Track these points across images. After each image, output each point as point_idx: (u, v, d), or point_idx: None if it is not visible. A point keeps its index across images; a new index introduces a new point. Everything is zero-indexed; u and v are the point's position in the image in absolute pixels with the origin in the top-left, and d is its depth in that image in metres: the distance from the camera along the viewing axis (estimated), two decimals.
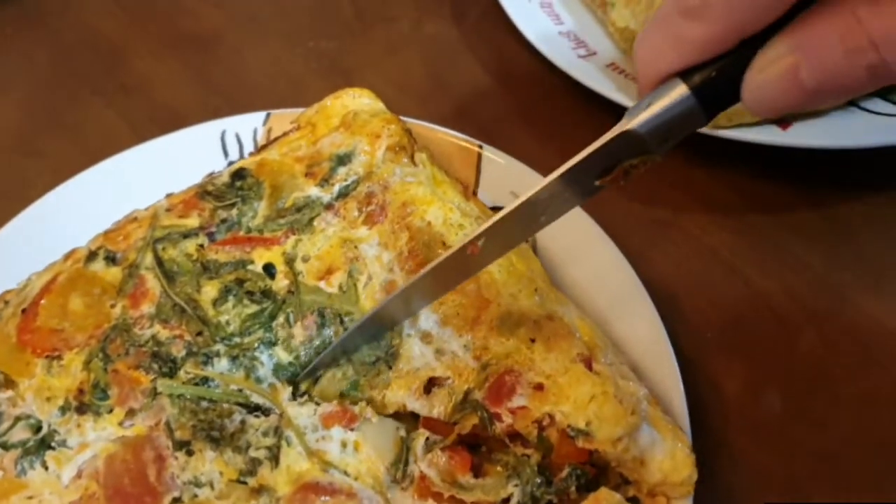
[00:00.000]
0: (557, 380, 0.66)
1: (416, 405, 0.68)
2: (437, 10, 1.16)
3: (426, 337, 0.72)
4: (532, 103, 1.02)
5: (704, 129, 0.85)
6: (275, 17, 1.18)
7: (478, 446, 0.69)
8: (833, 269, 0.85)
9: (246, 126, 0.91)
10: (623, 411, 0.65)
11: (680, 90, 0.48)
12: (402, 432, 0.69)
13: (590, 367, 0.67)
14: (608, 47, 1.01)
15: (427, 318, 0.72)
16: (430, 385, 0.69)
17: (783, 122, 0.88)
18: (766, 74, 0.45)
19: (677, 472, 0.65)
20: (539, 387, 0.66)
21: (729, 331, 0.81)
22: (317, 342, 0.73)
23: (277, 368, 0.72)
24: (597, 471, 0.67)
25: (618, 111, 0.89)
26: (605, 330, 0.75)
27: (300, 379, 0.71)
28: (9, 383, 0.71)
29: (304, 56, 1.12)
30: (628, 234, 0.79)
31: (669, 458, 0.65)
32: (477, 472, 0.68)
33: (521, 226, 0.61)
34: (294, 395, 0.71)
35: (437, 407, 0.68)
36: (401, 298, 0.68)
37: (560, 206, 0.59)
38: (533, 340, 0.69)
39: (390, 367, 0.71)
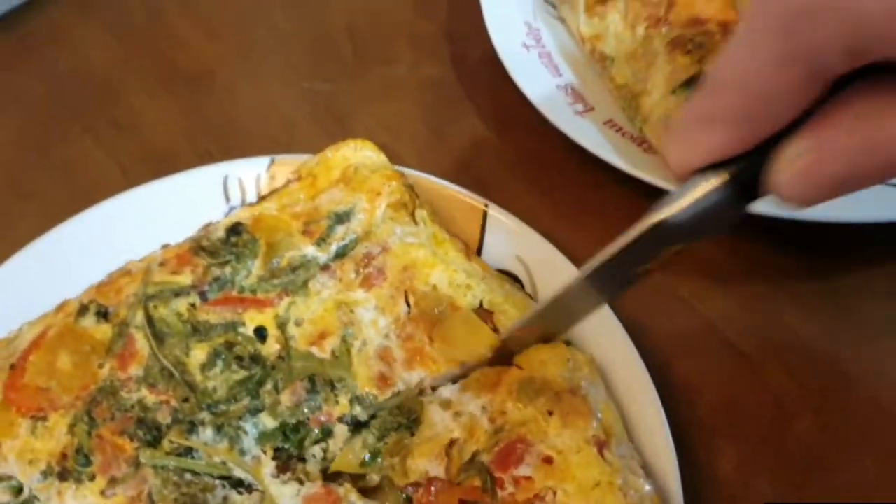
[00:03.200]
0: (568, 457, 0.64)
1: (439, 470, 0.66)
2: (436, 53, 1.11)
3: (445, 404, 0.70)
4: (528, 154, 0.98)
5: None
6: (271, 55, 1.15)
7: None
8: (833, 346, 0.81)
9: (249, 171, 0.88)
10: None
11: (712, 181, 0.48)
12: None
13: (601, 453, 0.65)
14: (607, 103, 0.95)
15: (447, 388, 0.71)
16: (450, 447, 0.67)
17: None
18: (786, 175, 0.45)
19: None
20: (548, 460, 0.64)
21: (722, 409, 0.78)
22: (304, 408, 0.70)
23: (262, 436, 0.69)
24: None
25: (613, 171, 0.87)
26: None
27: None
28: None
29: (299, 97, 1.08)
30: (622, 300, 0.75)
31: None
32: None
33: (553, 321, 0.65)
34: (278, 471, 0.69)
35: (448, 467, 0.66)
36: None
37: (596, 299, 0.62)
38: (550, 413, 0.67)
39: (412, 434, 0.69)
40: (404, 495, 0.67)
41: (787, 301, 0.84)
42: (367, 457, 0.69)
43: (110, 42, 1.19)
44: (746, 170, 0.48)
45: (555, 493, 0.63)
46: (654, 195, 0.85)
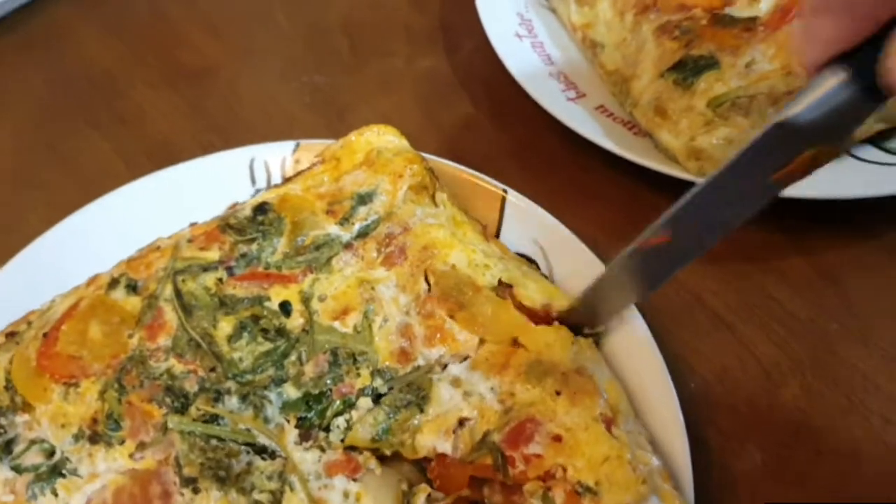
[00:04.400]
0: (576, 434, 0.66)
1: (447, 446, 0.68)
2: (430, 44, 1.15)
3: (455, 381, 0.71)
4: (522, 141, 1.01)
5: (692, 177, 0.85)
6: (271, 51, 1.18)
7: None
8: (819, 319, 0.83)
9: (275, 155, 0.90)
10: (635, 479, 0.63)
11: (834, 78, 0.48)
12: (405, 486, 0.68)
13: (609, 429, 0.66)
14: (598, 89, 0.98)
15: (456, 365, 0.72)
16: (459, 426, 0.69)
17: None
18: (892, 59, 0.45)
19: None
20: (557, 438, 0.66)
21: (712, 379, 0.80)
22: (327, 380, 0.72)
23: (286, 405, 0.71)
24: None
25: (604, 154, 0.89)
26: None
27: None
28: (26, 407, 0.72)
29: (299, 90, 1.11)
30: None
31: None
32: None
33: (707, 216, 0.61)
34: (301, 439, 0.70)
35: (459, 446, 0.68)
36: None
37: (744, 203, 0.60)
38: (558, 393, 0.68)
39: (422, 411, 0.70)
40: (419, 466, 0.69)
41: (774, 277, 0.87)
42: (379, 432, 0.70)
43: (113, 40, 1.21)
44: (867, 66, 0.46)
45: (565, 470, 0.64)
46: (645, 177, 0.90)
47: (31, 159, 1.06)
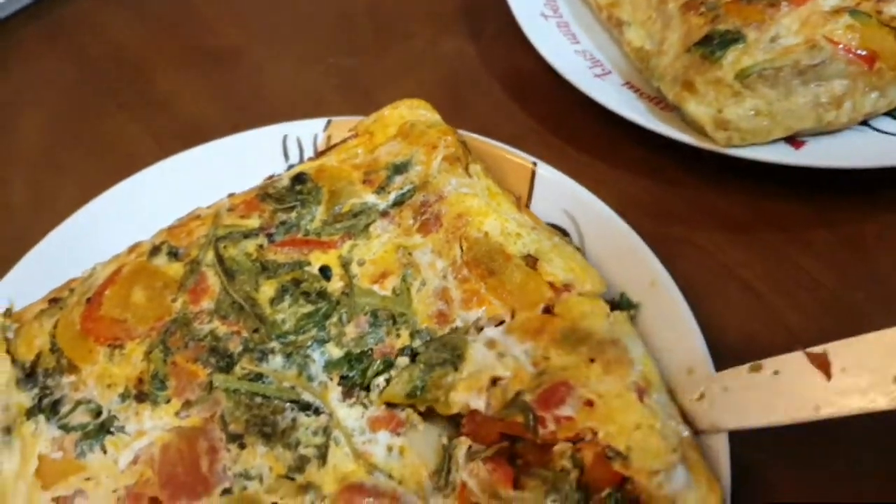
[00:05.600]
0: (608, 401, 0.66)
1: (480, 403, 0.68)
2: (454, 27, 1.16)
3: (490, 343, 0.71)
4: (548, 119, 1.03)
5: (719, 149, 0.87)
6: (294, 34, 1.19)
7: (517, 458, 0.69)
8: (846, 288, 0.84)
9: (307, 131, 0.92)
10: (665, 447, 0.64)
11: None
12: (445, 440, 0.69)
13: (641, 399, 0.67)
14: (624, 67, 1.01)
15: (492, 329, 0.73)
16: (492, 385, 0.69)
17: (796, 141, 0.88)
18: None
19: None
20: (589, 403, 0.66)
21: (741, 343, 0.81)
22: (368, 340, 0.73)
23: (329, 365, 0.72)
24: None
25: (632, 130, 0.91)
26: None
27: None
28: (72, 368, 0.72)
29: (324, 72, 1.12)
30: (646, 242, 0.79)
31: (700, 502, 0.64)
32: (516, 484, 0.67)
33: None
34: (344, 396, 0.71)
35: (492, 402, 0.68)
36: None
37: None
38: (592, 360, 0.68)
39: (456, 369, 0.70)
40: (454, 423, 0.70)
41: (802, 248, 0.88)
42: (414, 388, 0.70)
43: (137, 26, 1.23)
44: None
45: (595, 433, 0.65)
46: (671, 152, 0.92)
47: (63, 142, 1.07)
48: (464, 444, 0.68)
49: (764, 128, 0.85)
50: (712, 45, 0.87)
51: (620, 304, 0.78)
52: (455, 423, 0.70)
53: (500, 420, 0.68)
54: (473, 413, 0.69)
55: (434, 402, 0.70)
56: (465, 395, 0.69)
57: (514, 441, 0.68)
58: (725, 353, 0.78)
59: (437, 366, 0.71)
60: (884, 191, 0.91)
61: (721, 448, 0.67)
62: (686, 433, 0.66)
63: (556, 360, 0.69)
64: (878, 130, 0.89)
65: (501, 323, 0.74)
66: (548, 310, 0.74)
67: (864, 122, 0.90)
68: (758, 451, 0.71)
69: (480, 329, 0.74)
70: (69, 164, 1.04)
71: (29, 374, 0.72)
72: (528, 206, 0.87)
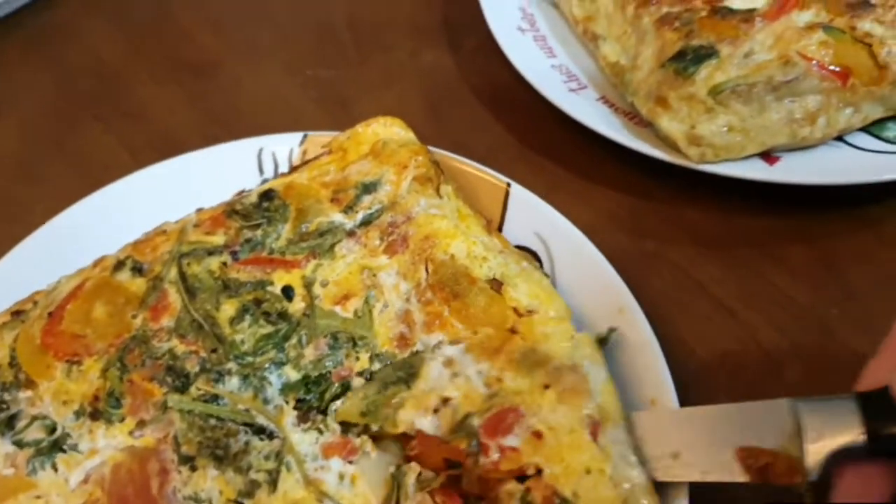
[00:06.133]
0: (558, 435, 0.63)
1: (425, 423, 0.66)
2: (434, 40, 1.15)
3: (448, 362, 0.70)
4: (524, 133, 1.01)
5: (692, 165, 0.85)
6: (273, 46, 1.19)
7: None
8: (820, 305, 0.82)
9: (283, 145, 0.91)
10: (614, 497, 0.60)
11: None
12: (393, 468, 0.67)
13: (595, 437, 0.63)
14: (599, 81, 0.99)
15: (452, 347, 0.71)
16: (443, 404, 0.67)
17: (770, 157, 0.87)
18: None
19: None
20: (538, 434, 0.63)
21: (714, 362, 0.79)
22: (327, 362, 0.71)
23: (285, 387, 0.71)
24: None
25: (607, 144, 0.90)
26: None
27: None
28: (29, 383, 0.71)
29: (303, 85, 1.11)
30: (616, 264, 0.77)
31: None
32: None
33: None
34: (299, 420, 0.70)
35: (441, 424, 0.66)
36: None
37: None
38: (547, 387, 0.65)
39: (408, 387, 0.69)
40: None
41: (775, 264, 0.86)
42: (368, 406, 0.69)
43: (117, 36, 1.23)
44: None
45: (540, 471, 0.61)
46: (646, 167, 0.90)
47: (37, 153, 1.07)
48: (413, 471, 0.66)
49: (737, 143, 0.84)
50: (685, 60, 0.85)
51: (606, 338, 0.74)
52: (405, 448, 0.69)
53: (445, 443, 0.65)
54: (421, 435, 0.66)
55: (384, 420, 0.68)
56: (413, 413, 0.67)
57: (459, 470, 0.65)
58: (698, 371, 0.78)
59: (390, 384, 0.69)
60: (858, 207, 0.89)
61: (681, 496, 0.63)
62: (640, 478, 0.62)
63: (509, 382, 0.67)
64: (852, 146, 0.87)
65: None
66: (513, 331, 0.71)
67: (839, 138, 0.88)
68: None
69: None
70: (43, 175, 1.04)
71: None
72: (500, 227, 0.85)
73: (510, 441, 0.63)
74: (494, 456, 0.63)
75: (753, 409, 0.60)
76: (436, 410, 0.67)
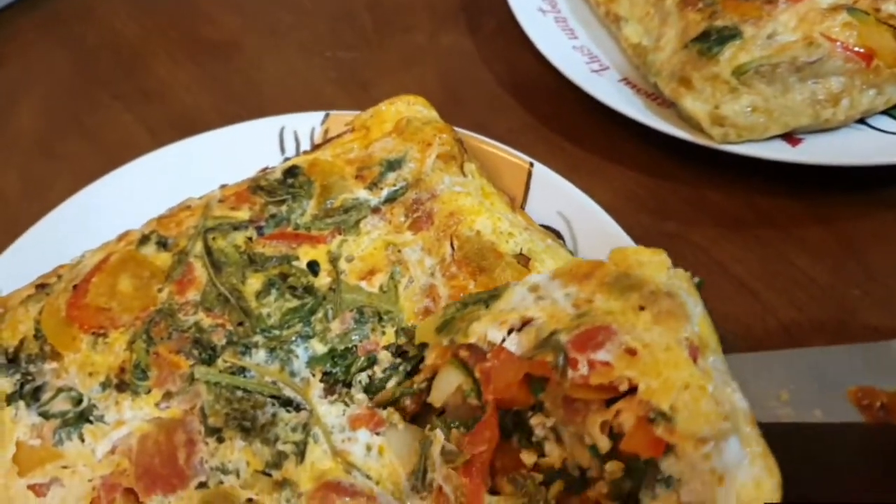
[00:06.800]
0: (654, 352, 0.56)
1: (497, 335, 0.62)
2: (453, 22, 1.16)
3: (533, 287, 0.65)
4: (545, 114, 1.01)
5: (715, 145, 0.85)
6: (293, 27, 1.18)
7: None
8: (840, 285, 0.83)
9: (304, 124, 0.90)
10: (717, 412, 0.54)
11: None
12: (422, 439, 0.67)
13: (694, 359, 0.57)
14: (621, 63, 0.99)
15: (537, 275, 0.67)
16: (524, 325, 0.62)
17: (793, 138, 0.87)
18: None
19: (758, 500, 0.54)
20: (631, 351, 0.56)
21: (736, 341, 0.79)
22: (353, 336, 0.71)
23: (312, 360, 0.70)
24: None
25: (629, 125, 0.90)
26: None
27: None
28: (54, 355, 0.71)
29: (322, 66, 1.11)
30: (638, 244, 0.76)
31: (753, 486, 0.54)
32: (493, 489, 0.64)
33: None
34: (325, 393, 0.69)
35: (523, 343, 0.61)
36: None
37: None
38: (642, 308, 0.59)
39: (487, 307, 0.66)
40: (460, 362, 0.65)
41: (796, 244, 0.86)
42: (445, 322, 0.67)
43: (135, 16, 1.22)
44: None
45: (634, 386, 0.55)
46: (667, 147, 0.90)
47: (57, 131, 1.07)
48: (437, 441, 0.65)
49: (760, 124, 0.84)
50: (709, 41, 0.86)
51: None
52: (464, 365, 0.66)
53: (528, 360, 0.60)
54: (499, 351, 0.61)
55: (456, 332, 0.65)
56: (486, 325, 0.62)
57: (538, 388, 0.61)
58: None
59: (470, 304, 0.67)
60: (879, 188, 0.89)
61: None
62: (743, 404, 0.56)
63: (600, 303, 0.60)
64: (875, 128, 0.88)
65: None
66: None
67: (862, 120, 0.88)
68: None
69: None
70: (63, 153, 1.04)
71: (11, 360, 0.71)
72: (523, 206, 0.85)
73: (601, 356, 0.56)
74: (583, 370, 0.56)
75: (865, 350, 0.58)
76: (517, 329, 0.61)
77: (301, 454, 0.66)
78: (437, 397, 0.66)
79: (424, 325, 0.68)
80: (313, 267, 0.75)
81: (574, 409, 0.58)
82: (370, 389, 0.70)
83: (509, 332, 0.62)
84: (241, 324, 0.72)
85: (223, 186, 0.83)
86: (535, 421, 0.62)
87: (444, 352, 0.67)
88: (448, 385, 0.66)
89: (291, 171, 0.81)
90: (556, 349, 0.58)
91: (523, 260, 0.75)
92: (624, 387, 0.55)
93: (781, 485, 0.54)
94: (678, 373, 0.55)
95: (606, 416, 0.56)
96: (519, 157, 0.85)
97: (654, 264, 0.64)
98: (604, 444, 0.56)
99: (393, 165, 0.81)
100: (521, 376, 0.60)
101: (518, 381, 0.60)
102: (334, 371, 0.70)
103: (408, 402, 0.69)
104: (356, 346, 0.71)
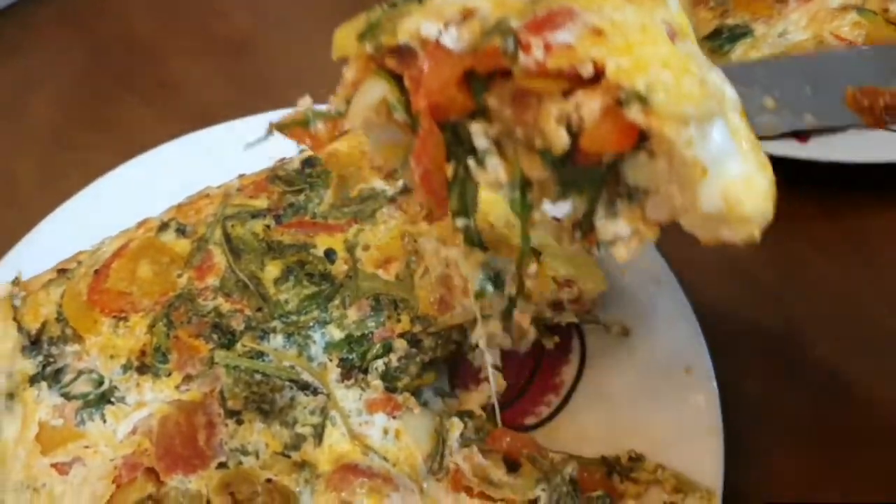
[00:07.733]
0: (626, 32, 0.45)
1: (432, 29, 0.48)
2: None
3: None
4: None
5: None
6: (305, 21, 1.18)
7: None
8: (850, 283, 0.83)
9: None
10: (701, 91, 0.44)
11: None
12: (438, 425, 0.68)
13: (672, 40, 0.46)
14: None
15: None
16: (465, 18, 0.48)
17: (802, 135, 0.87)
18: None
19: (748, 199, 0.47)
20: (597, 31, 0.45)
21: (747, 336, 0.80)
22: (369, 323, 0.72)
23: (329, 346, 0.71)
24: None
25: None
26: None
27: None
28: (76, 338, 0.71)
29: (338, 60, 1.11)
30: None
31: (743, 183, 0.46)
32: (510, 468, 0.65)
33: None
34: (342, 377, 0.70)
35: (463, 36, 0.47)
36: None
37: None
38: None
39: (421, 2, 0.52)
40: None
41: (807, 241, 0.87)
42: (369, 26, 0.55)
43: (151, 10, 1.22)
44: None
45: (601, 69, 0.44)
46: None
47: (73, 123, 1.07)
48: (456, 427, 0.67)
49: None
50: (721, 38, 0.87)
51: None
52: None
53: (469, 54, 0.47)
54: (434, 48, 0.48)
55: (382, 34, 0.52)
56: (418, 21, 0.49)
57: (480, 95, 0.49)
58: (731, 343, 0.78)
59: (401, 2, 0.53)
60: (889, 186, 0.89)
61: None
62: (732, 93, 0.47)
63: None
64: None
65: None
66: None
67: None
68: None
69: None
70: (78, 147, 1.04)
71: (34, 342, 0.71)
72: None
73: (560, 37, 0.45)
74: (538, 54, 0.45)
75: (869, 52, 0.52)
76: (457, 24, 0.48)
77: (319, 437, 0.66)
78: (355, 113, 0.55)
79: (343, 33, 0.55)
80: (330, 255, 0.76)
81: (525, 104, 0.48)
82: (386, 377, 0.71)
83: (446, 25, 0.48)
84: (259, 309, 0.72)
85: (241, 176, 0.84)
86: (475, 128, 0.50)
87: (367, 63, 0.55)
88: (370, 98, 0.54)
89: (309, 162, 0.82)
90: (504, 33, 0.46)
91: (535, 254, 0.75)
92: (588, 71, 0.44)
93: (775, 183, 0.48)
94: (656, 49, 0.45)
95: (565, 106, 0.46)
96: None
97: None
98: (560, 140, 0.46)
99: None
100: (461, 73, 0.48)
101: (457, 79, 0.48)
102: (351, 357, 0.71)
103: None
104: (372, 332, 0.72)
